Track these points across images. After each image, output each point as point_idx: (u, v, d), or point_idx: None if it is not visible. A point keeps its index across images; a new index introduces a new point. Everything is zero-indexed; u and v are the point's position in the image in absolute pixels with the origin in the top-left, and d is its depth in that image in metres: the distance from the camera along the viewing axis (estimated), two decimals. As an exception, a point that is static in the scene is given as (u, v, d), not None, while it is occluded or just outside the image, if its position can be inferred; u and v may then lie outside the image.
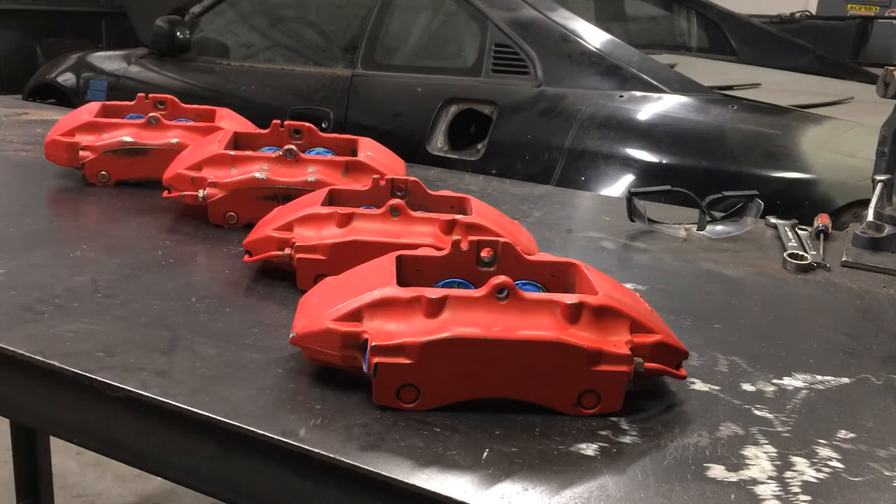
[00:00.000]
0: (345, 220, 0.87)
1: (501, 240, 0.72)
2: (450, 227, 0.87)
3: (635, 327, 0.66)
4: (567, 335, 0.63)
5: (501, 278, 0.64)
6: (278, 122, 1.18)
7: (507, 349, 0.63)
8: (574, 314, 0.64)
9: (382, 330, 0.64)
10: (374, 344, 0.63)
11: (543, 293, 0.70)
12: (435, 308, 0.64)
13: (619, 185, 2.30)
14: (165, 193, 1.11)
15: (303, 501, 0.62)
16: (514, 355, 0.63)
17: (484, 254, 0.72)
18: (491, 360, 0.63)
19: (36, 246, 0.99)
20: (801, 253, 1.11)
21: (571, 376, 0.63)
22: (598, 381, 0.64)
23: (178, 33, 3.28)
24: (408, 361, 0.62)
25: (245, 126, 1.33)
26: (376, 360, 0.62)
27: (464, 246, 0.71)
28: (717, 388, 0.72)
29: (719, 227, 1.23)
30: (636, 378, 0.65)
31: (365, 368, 0.64)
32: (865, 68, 3.58)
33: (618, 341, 0.65)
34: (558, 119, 2.47)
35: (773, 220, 1.28)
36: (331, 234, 0.86)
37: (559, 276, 0.73)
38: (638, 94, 2.44)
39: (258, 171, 1.07)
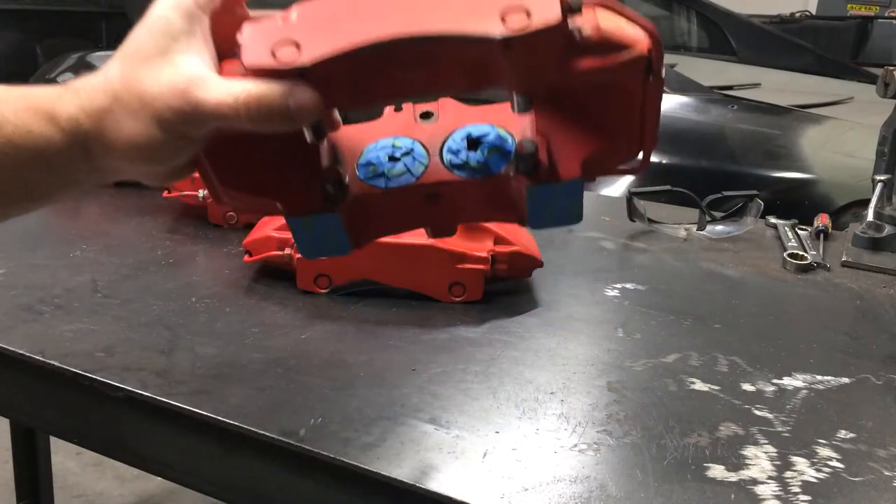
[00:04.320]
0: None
1: None
2: None
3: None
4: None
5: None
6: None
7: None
8: None
9: None
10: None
11: None
12: None
13: (619, 185, 2.30)
14: (165, 193, 1.11)
15: (303, 501, 0.62)
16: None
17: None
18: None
19: (36, 246, 0.99)
20: (801, 253, 1.11)
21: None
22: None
23: (178, 33, 3.28)
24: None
25: (245, 126, 1.33)
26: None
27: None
28: (717, 388, 0.72)
29: (719, 227, 1.23)
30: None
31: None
32: (865, 68, 3.58)
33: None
34: (558, 119, 2.47)
35: (773, 220, 1.28)
36: (330, 233, 0.87)
37: None
38: (638, 93, 2.44)
39: (258, 171, 1.06)
